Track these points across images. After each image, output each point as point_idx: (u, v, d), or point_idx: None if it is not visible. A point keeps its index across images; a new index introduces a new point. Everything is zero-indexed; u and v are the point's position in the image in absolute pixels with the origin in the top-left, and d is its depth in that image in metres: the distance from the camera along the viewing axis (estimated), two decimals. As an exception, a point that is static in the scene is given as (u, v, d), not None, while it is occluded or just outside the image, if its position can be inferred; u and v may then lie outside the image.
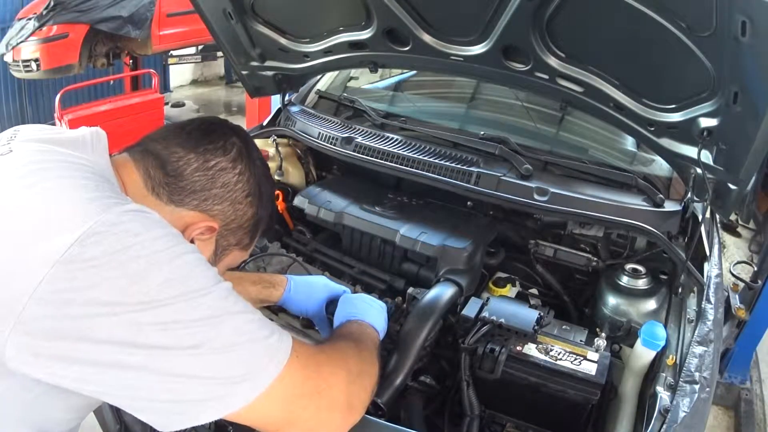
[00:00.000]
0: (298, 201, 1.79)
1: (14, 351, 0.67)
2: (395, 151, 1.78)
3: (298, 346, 0.80)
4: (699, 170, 1.37)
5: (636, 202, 1.59)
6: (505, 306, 1.37)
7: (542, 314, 1.34)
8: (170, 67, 7.68)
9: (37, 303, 0.66)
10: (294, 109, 2.18)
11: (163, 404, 0.71)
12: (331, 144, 1.90)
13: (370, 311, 1.16)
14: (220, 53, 6.84)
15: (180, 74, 8.60)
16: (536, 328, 1.29)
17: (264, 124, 2.19)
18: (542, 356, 1.24)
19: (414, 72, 2.55)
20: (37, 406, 0.76)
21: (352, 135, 1.89)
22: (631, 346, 1.36)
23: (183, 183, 0.87)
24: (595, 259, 1.68)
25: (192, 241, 0.87)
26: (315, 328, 1.38)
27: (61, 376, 0.69)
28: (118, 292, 0.67)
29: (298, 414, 0.77)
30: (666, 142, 1.47)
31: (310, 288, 1.33)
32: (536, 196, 1.59)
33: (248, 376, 0.73)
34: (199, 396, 0.71)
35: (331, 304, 1.28)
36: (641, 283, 1.52)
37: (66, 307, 0.66)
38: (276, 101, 2.24)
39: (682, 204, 1.60)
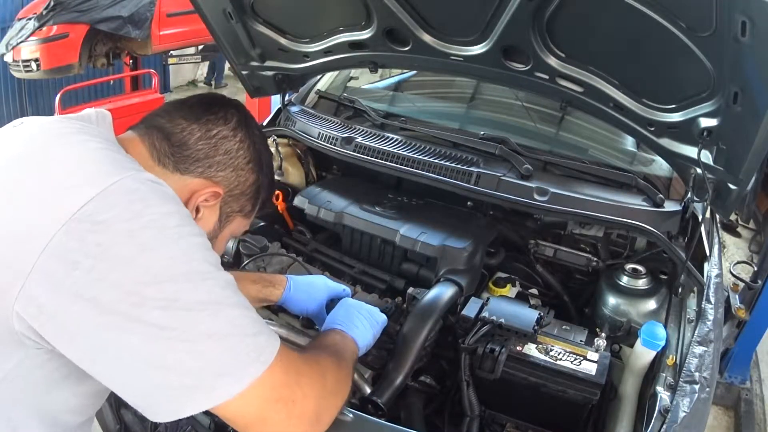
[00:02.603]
0: (298, 201, 1.79)
1: (21, 318, 0.68)
2: (395, 151, 1.78)
3: (284, 351, 0.81)
4: (699, 170, 1.37)
5: (636, 202, 1.59)
6: (505, 306, 1.37)
7: (542, 314, 1.34)
8: (170, 67, 7.68)
9: (46, 261, 0.67)
10: (294, 109, 2.18)
11: (151, 390, 0.72)
12: (331, 144, 1.90)
13: (357, 324, 1.14)
14: (220, 53, 6.84)
15: (180, 74, 8.60)
16: (536, 328, 1.29)
17: (264, 124, 2.19)
18: (542, 356, 1.25)
19: (414, 72, 2.54)
20: (50, 387, 0.77)
21: (352, 135, 1.89)
22: (631, 346, 1.36)
23: (188, 152, 0.91)
24: (595, 259, 1.68)
25: (198, 209, 0.91)
26: (315, 328, 1.38)
27: (65, 349, 0.70)
28: (124, 262, 0.69)
29: (270, 416, 0.78)
30: (666, 142, 1.47)
31: (310, 288, 1.33)
32: (536, 196, 1.59)
33: (233, 371, 0.74)
34: (186, 383, 0.72)
35: (332, 303, 1.28)
36: (641, 283, 1.52)
37: (72, 270, 0.67)
38: (276, 101, 2.24)
39: (682, 204, 1.60)
